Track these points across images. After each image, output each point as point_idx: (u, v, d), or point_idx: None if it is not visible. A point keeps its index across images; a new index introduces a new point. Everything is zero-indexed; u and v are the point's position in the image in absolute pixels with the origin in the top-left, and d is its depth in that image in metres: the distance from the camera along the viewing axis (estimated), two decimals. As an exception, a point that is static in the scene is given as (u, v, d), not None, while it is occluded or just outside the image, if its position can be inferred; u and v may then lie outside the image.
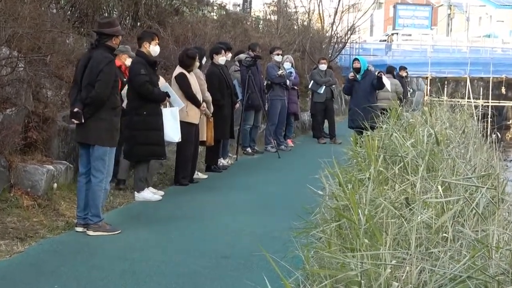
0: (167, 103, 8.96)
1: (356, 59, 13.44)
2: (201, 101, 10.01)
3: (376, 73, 12.92)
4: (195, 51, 10.11)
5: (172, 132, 8.95)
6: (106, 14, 14.24)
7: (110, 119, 6.95)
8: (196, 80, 10.00)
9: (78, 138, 7.14)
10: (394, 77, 17.90)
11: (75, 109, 6.86)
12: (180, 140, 9.18)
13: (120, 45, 10.41)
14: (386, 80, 12.88)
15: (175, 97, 9.15)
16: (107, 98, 6.88)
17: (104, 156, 6.91)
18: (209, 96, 10.42)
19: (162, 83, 9.05)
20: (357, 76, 12.90)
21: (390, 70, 18.38)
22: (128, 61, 9.28)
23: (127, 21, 15.25)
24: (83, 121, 6.86)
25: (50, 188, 7.96)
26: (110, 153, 7.00)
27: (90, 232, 6.86)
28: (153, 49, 8.75)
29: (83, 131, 6.93)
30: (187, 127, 9.57)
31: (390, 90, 12.72)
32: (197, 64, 10.03)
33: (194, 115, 9.82)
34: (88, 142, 6.94)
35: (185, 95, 9.70)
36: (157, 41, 8.83)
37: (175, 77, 9.86)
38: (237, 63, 13.30)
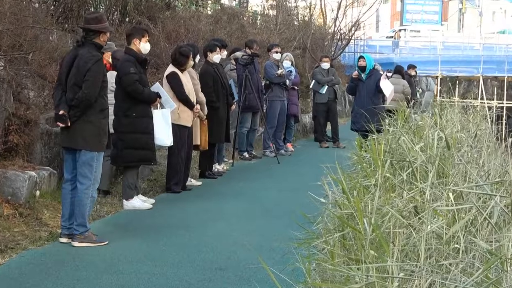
0: (158, 105, 8.97)
1: (361, 56, 13.47)
2: (195, 103, 10.01)
3: (382, 74, 12.94)
4: (189, 48, 10.12)
5: (163, 136, 8.97)
6: (92, 9, 14.27)
7: (98, 122, 6.96)
8: (190, 80, 10.01)
9: (63, 143, 7.14)
10: (403, 77, 17.93)
11: (60, 112, 6.86)
12: (172, 144, 9.19)
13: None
14: (386, 86, 12.75)
15: (166, 98, 9.16)
16: (95, 100, 6.89)
17: (91, 161, 6.91)
18: (202, 97, 10.44)
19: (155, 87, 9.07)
20: (362, 75, 12.92)
21: (398, 70, 18.37)
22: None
23: (115, 17, 15.29)
24: (69, 124, 6.86)
25: (32, 196, 7.96)
26: (98, 158, 7.00)
27: (76, 243, 6.86)
28: (144, 46, 8.76)
29: (69, 134, 6.93)
30: (179, 130, 9.59)
31: (388, 97, 12.58)
32: (191, 63, 10.05)
33: (186, 118, 9.83)
34: (74, 147, 6.94)
35: (177, 96, 9.71)
36: (148, 38, 8.84)
37: (167, 76, 9.87)
38: (233, 61, 13.32)
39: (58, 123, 6.95)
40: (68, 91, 6.91)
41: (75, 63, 6.91)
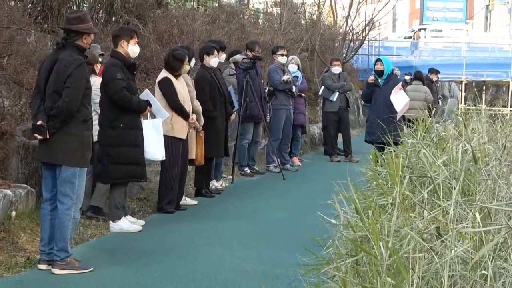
0: (148, 114, 8.98)
1: (378, 59, 13.48)
2: (190, 112, 10.02)
3: (400, 80, 12.96)
4: (184, 51, 10.13)
5: (154, 149, 8.97)
6: (74, 7, 14.33)
7: (80, 134, 6.96)
8: (185, 87, 10.02)
9: (41, 157, 7.15)
10: (424, 84, 18.03)
11: (38, 122, 6.87)
12: (164, 158, 9.19)
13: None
14: (399, 100, 12.71)
15: (158, 107, 9.18)
16: (77, 109, 6.89)
17: (73, 178, 6.91)
18: (198, 106, 10.45)
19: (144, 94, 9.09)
20: (379, 80, 12.94)
21: (418, 76, 18.51)
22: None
23: (100, 16, 15.34)
24: (47, 136, 6.87)
25: (7, 217, 7.96)
26: (81, 174, 7.01)
27: (56, 270, 6.85)
28: (132, 49, 8.78)
29: (48, 148, 6.93)
30: (172, 143, 9.60)
31: (398, 112, 12.54)
32: (187, 67, 10.06)
33: (180, 129, 9.85)
34: (53, 162, 6.94)
35: (170, 105, 9.74)
36: (137, 40, 8.86)
37: (159, 82, 9.90)
38: (232, 65, 13.33)
39: (36, 135, 6.95)
40: (47, 99, 6.92)
41: (54, 68, 6.91)
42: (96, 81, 9.05)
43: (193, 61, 10.89)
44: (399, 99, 12.69)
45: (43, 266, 6.95)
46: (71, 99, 6.82)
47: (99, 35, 13.57)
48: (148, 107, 8.87)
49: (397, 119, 12.28)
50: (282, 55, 14.47)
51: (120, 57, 8.72)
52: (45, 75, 6.97)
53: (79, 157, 6.94)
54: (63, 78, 6.83)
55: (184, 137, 9.93)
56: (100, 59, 9.57)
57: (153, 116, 9.11)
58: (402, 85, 13.20)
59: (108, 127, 8.68)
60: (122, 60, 8.69)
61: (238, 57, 13.19)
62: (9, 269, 6.89)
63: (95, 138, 9.00)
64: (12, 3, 12.41)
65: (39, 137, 6.92)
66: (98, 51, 9.61)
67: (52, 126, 6.85)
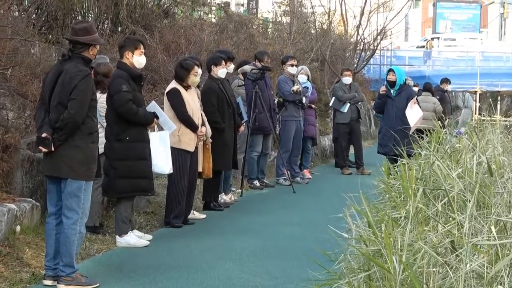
0: (156, 126, 8.98)
1: (391, 69, 13.49)
2: (200, 125, 10.02)
3: (413, 90, 12.97)
4: (193, 62, 10.12)
5: (162, 162, 8.97)
6: (80, 17, 14.37)
7: (86, 147, 6.98)
8: (195, 99, 10.02)
9: (46, 171, 7.16)
10: (433, 95, 18.17)
11: (43, 134, 6.88)
12: (171, 171, 9.19)
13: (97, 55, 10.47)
14: (413, 114, 12.71)
15: (165, 119, 9.17)
16: (83, 121, 6.91)
17: (78, 192, 6.92)
18: (204, 117, 10.42)
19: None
20: (391, 91, 12.93)
21: (427, 87, 18.70)
22: None
23: (106, 26, 15.38)
24: (52, 149, 6.88)
25: (12, 232, 7.97)
26: (86, 188, 7.01)
27: (62, 286, 6.86)
28: (138, 60, 8.80)
29: (53, 161, 6.94)
30: (180, 156, 9.61)
31: (412, 126, 12.52)
32: (196, 79, 10.02)
33: (188, 141, 9.85)
34: (59, 175, 6.96)
35: (177, 116, 9.75)
36: (142, 50, 8.87)
37: (167, 93, 9.91)
38: (241, 76, 13.34)
39: (41, 147, 6.96)
40: (52, 112, 6.93)
41: (60, 79, 6.92)
42: (103, 94, 9.08)
43: (200, 71, 10.87)
44: (413, 113, 12.69)
45: (48, 282, 6.96)
46: (76, 111, 6.83)
47: (105, 45, 13.61)
48: (155, 119, 8.87)
49: (412, 131, 12.27)
50: (292, 65, 14.46)
51: (126, 68, 8.73)
52: (50, 86, 6.98)
53: (85, 170, 6.95)
54: (69, 90, 6.85)
55: (192, 149, 9.93)
56: None
57: (160, 129, 9.11)
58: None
59: (115, 140, 8.68)
60: (128, 71, 8.70)
61: (247, 67, 13.20)
62: (14, 285, 6.89)
63: (101, 151, 9.05)
64: (16, 13, 12.45)
65: (44, 149, 6.93)
66: (107, 62, 9.63)
67: (57, 139, 6.86)
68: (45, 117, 6.95)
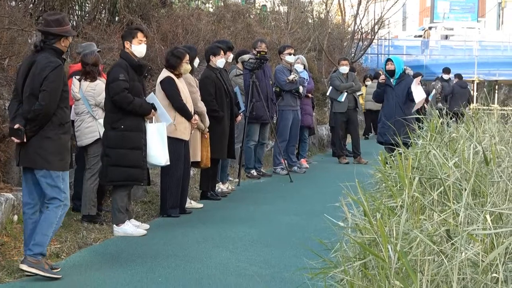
0: (153, 118, 8.96)
1: (389, 59, 13.45)
2: (192, 113, 10.01)
3: (412, 79, 12.98)
4: (184, 50, 10.10)
5: (158, 153, 8.95)
6: (76, 7, 14.37)
7: (57, 138, 6.95)
8: (186, 87, 10.01)
9: (21, 162, 7.09)
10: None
11: (16, 125, 6.85)
12: (168, 163, 9.17)
13: (85, 42, 10.47)
14: (418, 93, 12.72)
15: (162, 111, 9.15)
16: (54, 112, 6.90)
17: (57, 182, 6.92)
18: (202, 107, 10.43)
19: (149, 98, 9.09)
20: (391, 80, 12.92)
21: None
22: None
23: (103, 16, 15.35)
24: (25, 140, 6.86)
25: (9, 221, 7.98)
26: (64, 177, 7.02)
27: (24, 266, 6.78)
28: (136, 48, 8.80)
29: (26, 153, 6.93)
30: (174, 144, 9.59)
31: (417, 104, 12.53)
32: (187, 67, 10.00)
33: (183, 130, 9.85)
34: (33, 167, 6.94)
35: (173, 105, 9.73)
36: (141, 39, 8.85)
37: (161, 82, 9.86)
38: (239, 65, 13.31)
39: (13, 138, 6.95)
40: (24, 103, 6.92)
41: (31, 70, 6.92)
42: (99, 84, 9.08)
43: (197, 61, 10.88)
44: (418, 92, 12.68)
45: (24, 267, 6.87)
46: (47, 102, 6.81)
47: (102, 35, 13.61)
48: (152, 111, 8.85)
49: (415, 109, 12.28)
50: (290, 54, 14.44)
51: (126, 57, 8.77)
52: (23, 77, 6.97)
53: (58, 160, 6.93)
54: (39, 81, 6.83)
55: (186, 138, 9.93)
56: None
57: (158, 121, 9.08)
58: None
59: (110, 128, 8.69)
60: (128, 60, 8.72)
61: (246, 57, 13.18)
62: (11, 273, 6.90)
63: (91, 140, 9.08)
64: (13, 3, 12.43)
65: (16, 140, 6.92)
66: (94, 49, 9.62)
67: (29, 130, 6.85)
68: (18, 108, 6.94)
